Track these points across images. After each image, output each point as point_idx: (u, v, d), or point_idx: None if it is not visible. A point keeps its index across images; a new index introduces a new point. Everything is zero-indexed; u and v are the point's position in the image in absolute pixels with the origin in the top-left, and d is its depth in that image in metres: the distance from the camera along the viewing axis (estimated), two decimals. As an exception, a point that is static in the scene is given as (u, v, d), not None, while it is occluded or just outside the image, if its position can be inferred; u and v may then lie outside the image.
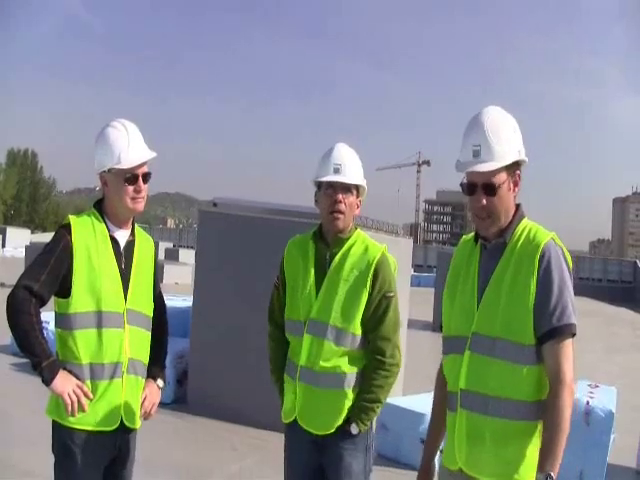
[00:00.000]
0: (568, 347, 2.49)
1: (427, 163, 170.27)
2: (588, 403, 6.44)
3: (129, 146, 3.09)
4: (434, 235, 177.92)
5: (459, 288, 2.74)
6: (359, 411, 3.21)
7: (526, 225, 2.63)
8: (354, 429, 3.18)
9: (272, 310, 3.56)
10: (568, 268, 2.56)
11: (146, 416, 3.25)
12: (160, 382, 3.34)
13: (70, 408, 2.92)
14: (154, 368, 3.32)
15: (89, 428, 3.01)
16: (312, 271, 3.32)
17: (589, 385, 7.27)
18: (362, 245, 3.32)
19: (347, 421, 3.20)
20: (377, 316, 3.24)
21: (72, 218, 3.10)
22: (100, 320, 3.02)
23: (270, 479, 6.06)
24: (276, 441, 6.96)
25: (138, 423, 3.20)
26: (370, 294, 3.23)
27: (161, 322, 3.43)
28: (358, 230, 3.39)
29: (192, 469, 6.19)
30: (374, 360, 3.24)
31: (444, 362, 2.81)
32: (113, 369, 3.05)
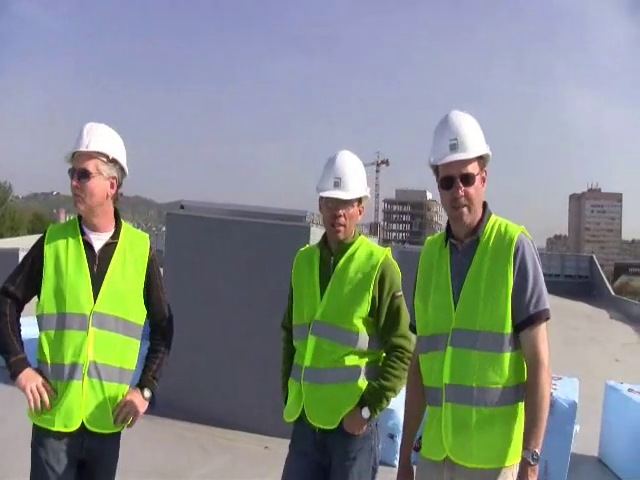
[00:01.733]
0: (544, 331, 2.65)
1: (386, 163, 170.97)
2: (551, 394, 6.56)
3: (77, 142, 3.11)
4: (394, 234, 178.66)
5: (432, 289, 2.84)
6: (373, 396, 3.25)
7: (495, 221, 2.77)
8: (365, 412, 3.22)
9: (285, 316, 3.64)
10: (539, 258, 2.72)
11: (119, 423, 3.19)
12: (147, 392, 3.29)
13: (32, 404, 3.00)
14: (142, 377, 3.31)
15: (49, 427, 3.05)
16: (316, 276, 3.42)
17: (552, 377, 7.43)
18: (366, 249, 3.42)
19: (359, 404, 3.25)
20: (392, 316, 3.32)
21: (50, 226, 3.25)
22: (63, 322, 3.06)
23: (241, 478, 6.12)
24: (247, 441, 7.07)
25: (108, 428, 3.16)
26: (380, 296, 3.31)
27: (158, 330, 3.41)
28: (362, 236, 3.49)
29: (163, 471, 6.19)
30: (395, 352, 3.30)
31: (422, 360, 2.89)
32: (72, 370, 3.05)
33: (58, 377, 3.05)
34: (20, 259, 3.23)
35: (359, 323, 3.29)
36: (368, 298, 3.31)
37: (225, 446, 7.00)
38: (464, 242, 2.77)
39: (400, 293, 3.38)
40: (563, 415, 6.47)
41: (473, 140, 2.72)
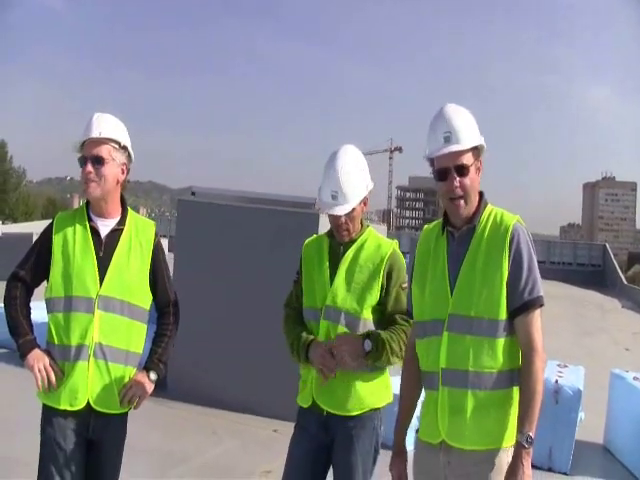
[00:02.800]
0: (538, 318, 2.71)
1: (399, 150, 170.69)
2: (557, 382, 6.65)
3: (87, 131, 3.20)
4: (407, 221, 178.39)
5: (429, 275, 2.90)
6: (376, 336, 3.29)
7: (491, 210, 2.84)
8: (367, 345, 3.26)
9: (290, 299, 3.66)
10: (534, 246, 2.78)
11: (125, 403, 3.26)
12: (152, 374, 3.35)
13: (40, 382, 3.11)
14: (148, 360, 3.38)
15: (55, 406, 3.16)
16: (326, 263, 3.48)
17: (558, 365, 7.49)
18: (375, 241, 3.49)
19: (365, 336, 3.29)
20: (398, 305, 3.39)
21: (58, 213, 3.38)
22: (70, 304, 3.17)
23: (250, 461, 6.21)
24: (257, 425, 7.16)
25: (114, 409, 3.24)
26: (388, 286, 3.38)
27: (164, 315, 3.49)
28: (370, 227, 3.56)
29: (173, 454, 6.28)
30: (400, 324, 3.34)
31: (418, 345, 2.95)
32: (78, 351, 3.15)
33: (65, 358, 3.16)
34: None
35: (367, 310, 3.37)
36: (378, 287, 3.38)
37: (235, 430, 7.08)
38: (461, 230, 2.83)
39: (406, 285, 3.41)
40: (568, 402, 6.56)
41: (466, 132, 2.77)
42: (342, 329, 3.36)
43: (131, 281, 3.29)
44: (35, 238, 3.35)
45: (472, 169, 2.77)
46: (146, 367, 3.37)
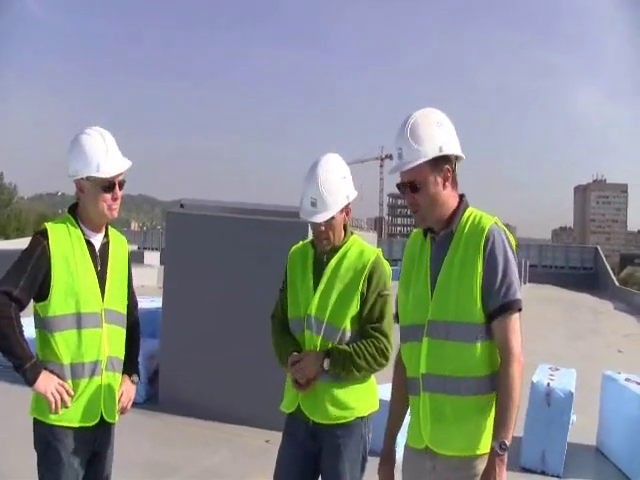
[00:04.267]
0: (515, 321, 2.67)
1: (390, 157, 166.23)
2: (549, 385, 6.67)
3: (107, 154, 3.19)
4: (398, 229, 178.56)
5: (412, 279, 2.90)
6: (338, 352, 3.32)
7: (471, 213, 2.81)
8: (326, 364, 3.30)
9: (275, 309, 3.69)
10: (512, 249, 2.74)
11: (122, 411, 3.39)
12: (135, 377, 3.49)
13: (54, 406, 3.05)
14: (129, 364, 3.45)
15: (71, 424, 3.13)
16: (310, 273, 3.49)
17: (550, 368, 7.51)
18: (357, 249, 3.50)
19: (325, 355, 3.32)
20: (374, 312, 3.39)
21: (48, 225, 3.21)
22: (79, 321, 3.14)
23: (243, 472, 6.21)
24: (249, 435, 7.16)
25: (116, 418, 3.33)
26: (365, 293, 3.38)
27: (134, 319, 3.56)
28: (354, 235, 3.57)
29: (165, 465, 6.27)
30: (372, 338, 3.36)
31: (402, 350, 2.96)
32: (93, 367, 3.18)
33: (78, 376, 3.14)
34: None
35: (347, 320, 3.38)
36: (358, 296, 3.38)
37: (226, 440, 7.08)
38: (439, 235, 2.83)
39: (387, 292, 3.44)
40: (560, 405, 6.56)
41: (420, 145, 2.71)
42: (321, 340, 3.37)
43: (121, 292, 3.40)
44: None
45: (428, 183, 2.74)
46: (127, 371, 3.44)
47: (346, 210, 3.48)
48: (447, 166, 2.77)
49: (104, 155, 3.18)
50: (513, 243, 2.77)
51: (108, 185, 3.21)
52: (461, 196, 2.86)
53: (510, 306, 2.67)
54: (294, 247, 3.70)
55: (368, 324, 3.38)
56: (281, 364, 3.53)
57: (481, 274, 2.67)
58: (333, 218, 3.41)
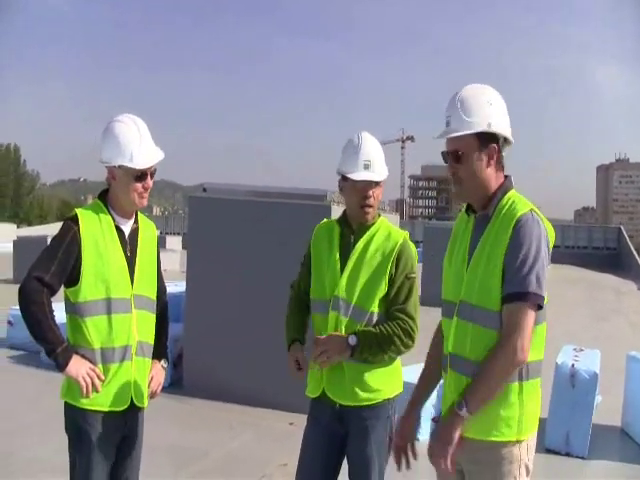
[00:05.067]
0: (524, 314, 2.57)
1: (411, 139, 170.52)
2: (573, 366, 6.63)
3: (141, 145, 3.20)
4: (420, 210, 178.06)
5: (454, 256, 2.90)
6: (364, 335, 3.32)
7: (510, 197, 2.74)
8: (352, 339, 3.30)
9: (297, 281, 3.74)
10: (544, 240, 2.64)
11: (152, 395, 3.43)
12: (164, 362, 3.53)
13: (85, 390, 3.08)
14: (158, 349, 3.48)
15: (102, 409, 3.17)
16: (337, 254, 3.48)
17: (574, 349, 7.47)
18: (385, 231, 3.49)
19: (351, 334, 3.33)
20: (401, 294, 3.39)
21: (79, 210, 3.22)
22: (109, 306, 3.16)
23: (267, 455, 6.24)
24: (273, 418, 7.19)
25: (146, 402, 3.37)
26: (393, 275, 3.38)
27: (162, 304, 3.57)
28: (382, 217, 3.56)
29: (190, 449, 6.32)
30: (398, 320, 3.35)
31: (442, 323, 2.96)
32: (123, 352, 3.20)
33: (109, 360, 3.17)
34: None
35: (375, 303, 3.38)
36: (386, 279, 3.38)
37: (251, 423, 7.12)
38: (478, 215, 2.80)
39: (413, 275, 3.44)
40: (584, 386, 6.53)
41: (470, 117, 2.70)
42: (347, 321, 3.38)
43: (151, 277, 3.42)
44: (50, 240, 3.22)
45: (471, 156, 2.72)
46: (157, 356, 3.48)
47: (381, 191, 3.52)
48: (494, 145, 2.74)
49: (138, 145, 3.19)
50: (550, 235, 2.70)
51: (140, 175, 3.22)
52: (505, 178, 2.81)
53: (521, 297, 2.57)
54: (320, 224, 3.70)
55: (394, 306, 3.39)
56: (287, 335, 3.63)
57: (502, 261, 2.62)
58: (380, 186, 3.45)
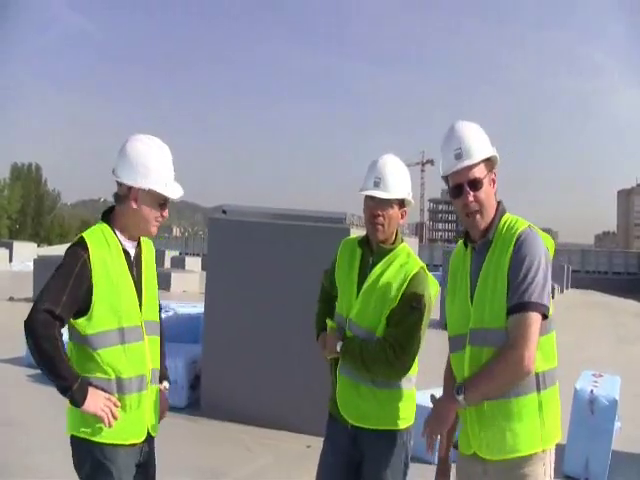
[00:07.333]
0: (529, 323, 2.59)
1: (431, 162, 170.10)
2: (592, 392, 6.56)
3: (171, 173, 3.14)
4: (440, 234, 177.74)
5: (456, 291, 2.93)
6: (350, 343, 3.38)
7: (507, 219, 2.82)
8: (339, 346, 3.38)
9: (320, 292, 3.82)
10: (545, 253, 2.69)
11: (160, 418, 3.35)
12: (166, 384, 3.43)
13: (107, 420, 2.94)
14: (160, 370, 3.36)
15: (122, 442, 3.04)
16: (355, 275, 3.49)
17: (593, 375, 7.39)
18: (403, 259, 3.45)
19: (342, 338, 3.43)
20: (399, 325, 3.31)
21: (86, 235, 3.04)
22: (123, 336, 3.03)
23: (284, 477, 6.23)
24: (290, 440, 7.16)
25: (158, 430, 3.30)
26: (398, 303, 3.33)
27: (160, 323, 3.46)
28: (404, 243, 3.52)
29: (207, 471, 6.30)
30: (386, 341, 3.31)
31: (451, 360, 2.99)
32: (139, 382, 3.09)
33: (126, 391, 3.04)
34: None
35: (382, 327, 3.36)
36: (393, 307, 3.35)
37: (268, 445, 7.10)
38: (478, 244, 2.84)
39: (420, 306, 3.33)
40: (603, 413, 6.46)
41: (476, 145, 2.79)
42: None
43: (155, 299, 3.33)
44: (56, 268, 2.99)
45: (485, 182, 2.79)
46: (160, 379, 3.36)
47: (402, 211, 3.48)
48: (495, 170, 2.85)
49: (170, 173, 3.13)
50: (550, 248, 2.76)
51: (164, 202, 3.15)
52: (498, 203, 2.88)
53: (525, 307, 2.60)
54: (347, 239, 3.72)
55: (388, 332, 3.35)
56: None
57: (507, 274, 2.66)
58: (391, 206, 3.40)
